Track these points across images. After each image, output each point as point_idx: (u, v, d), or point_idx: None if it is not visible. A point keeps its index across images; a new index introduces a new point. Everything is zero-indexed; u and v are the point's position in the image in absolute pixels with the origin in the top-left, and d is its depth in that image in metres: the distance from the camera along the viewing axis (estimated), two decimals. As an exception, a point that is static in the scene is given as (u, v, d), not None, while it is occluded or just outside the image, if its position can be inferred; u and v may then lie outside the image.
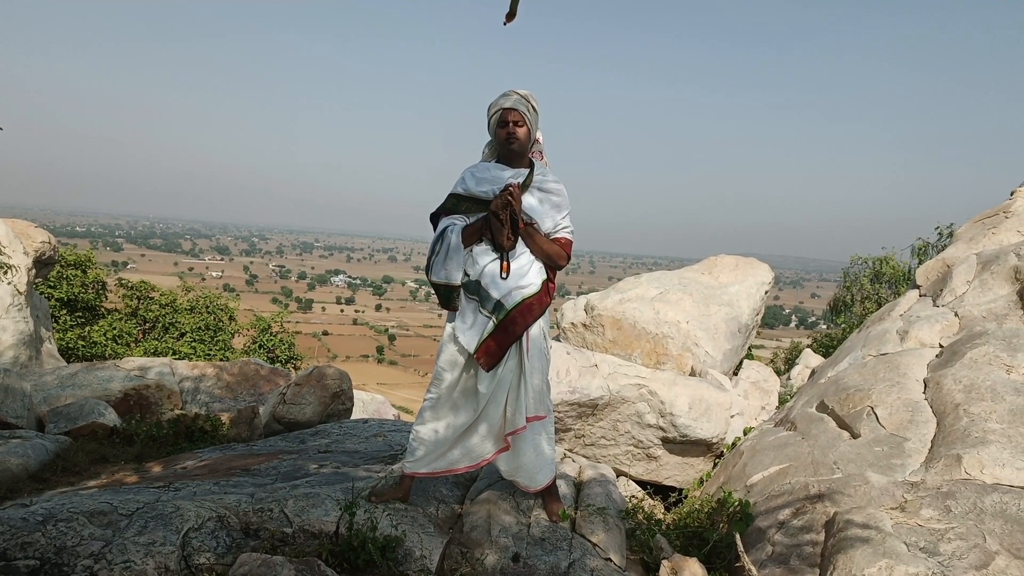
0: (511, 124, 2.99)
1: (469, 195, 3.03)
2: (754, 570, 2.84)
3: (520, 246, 3.02)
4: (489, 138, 3.16)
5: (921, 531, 3.06)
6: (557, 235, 3.09)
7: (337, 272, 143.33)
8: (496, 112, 3.01)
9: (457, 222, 3.04)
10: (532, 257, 3.04)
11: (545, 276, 3.07)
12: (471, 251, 3.02)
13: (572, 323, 7.76)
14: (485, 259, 3.00)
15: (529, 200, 3.05)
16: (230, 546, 2.75)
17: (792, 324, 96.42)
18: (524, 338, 3.01)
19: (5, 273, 7.88)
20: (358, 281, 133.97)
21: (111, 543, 2.57)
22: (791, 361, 13.93)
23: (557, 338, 7.94)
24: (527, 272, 3.01)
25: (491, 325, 2.97)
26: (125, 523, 2.71)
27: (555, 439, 5.63)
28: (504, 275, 2.96)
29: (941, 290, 6.17)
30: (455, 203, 3.06)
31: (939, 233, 14.28)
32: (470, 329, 3.00)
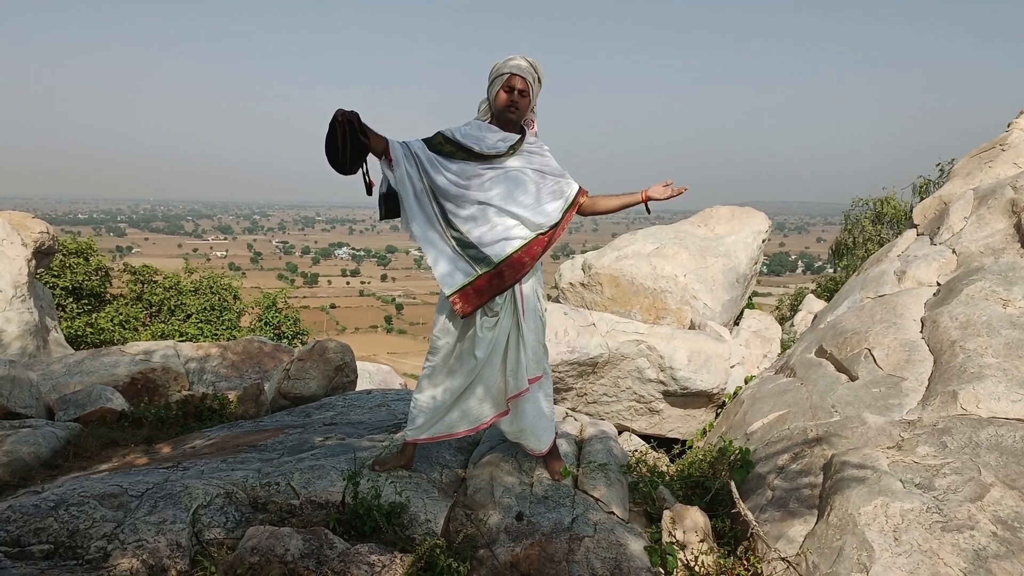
0: (516, 92, 2.95)
1: (452, 139, 3.00)
2: (750, 515, 2.89)
3: (507, 205, 2.99)
4: (484, 97, 3.12)
5: (917, 468, 3.11)
6: (577, 196, 3.11)
7: (340, 245, 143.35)
8: (503, 75, 2.96)
9: (414, 145, 2.99)
10: (516, 220, 3.02)
11: (530, 235, 3.03)
12: (457, 208, 3.00)
13: (571, 283, 7.77)
14: (470, 225, 2.99)
15: (525, 170, 3.03)
16: (239, 520, 2.82)
17: (799, 270, 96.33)
18: (519, 299, 3.02)
19: None
20: (362, 253, 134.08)
21: (123, 524, 2.64)
22: (796, 307, 13.95)
23: (557, 299, 7.97)
24: (509, 227, 3.00)
25: (473, 276, 2.96)
26: (135, 504, 2.77)
27: (557, 399, 5.68)
28: (368, 193, 2.90)
29: (938, 228, 6.15)
30: (441, 141, 3.02)
31: (940, 169, 14.14)
32: (448, 276, 2.99)
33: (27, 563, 2.39)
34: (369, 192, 2.91)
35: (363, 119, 2.79)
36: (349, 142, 2.75)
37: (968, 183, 6.69)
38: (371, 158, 2.93)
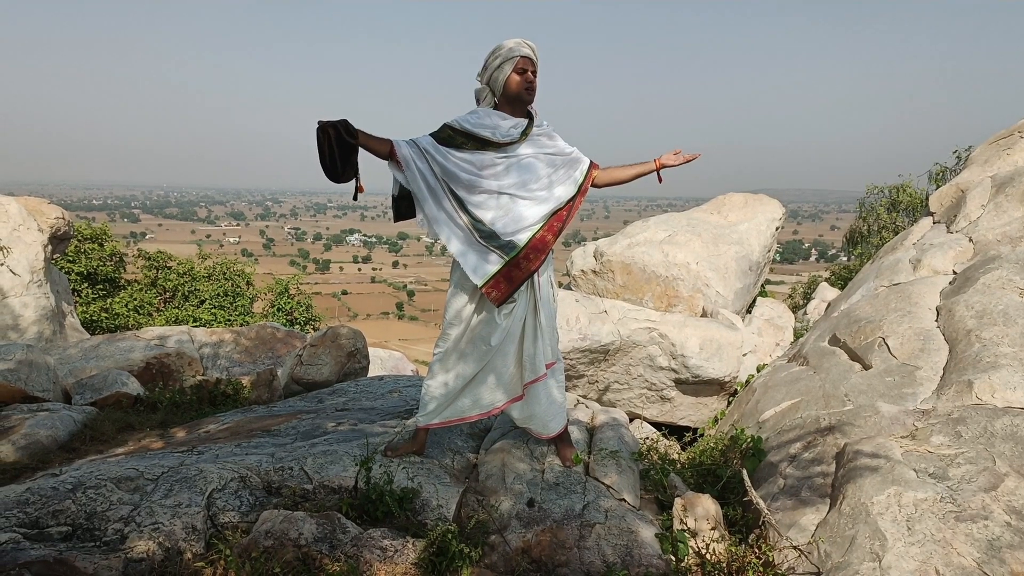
0: (530, 73, 2.96)
1: (463, 130, 2.98)
2: (761, 503, 2.89)
3: (525, 193, 2.99)
4: (479, 85, 3.10)
5: (931, 458, 3.09)
6: (588, 172, 3.14)
7: (352, 231, 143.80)
8: (512, 58, 2.94)
9: (423, 142, 2.96)
10: (532, 205, 3.02)
11: (548, 215, 3.03)
12: (472, 196, 2.99)
13: (582, 270, 7.76)
14: (487, 213, 2.99)
15: (538, 155, 3.03)
16: (253, 504, 2.85)
17: (812, 258, 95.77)
18: (536, 287, 3.03)
19: None
20: (373, 239, 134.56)
21: (139, 507, 2.67)
22: (809, 296, 13.86)
23: (568, 286, 7.96)
24: (525, 214, 3.00)
25: (501, 264, 2.96)
26: (151, 487, 2.81)
27: (569, 386, 5.68)
28: (355, 198, 2.89)
29: (955, 216, 6.08)
30: (450, 134, 3.00)
31: (957, 157, 13.95)
32: (478, 268, 2.99)
33: (45, 545, 2.42)
34: (356, 197, 2.88)
35: (353, 125, 2.79)
36: (335, 143, 2.74)
37: (986, 170, 6.60)
38: (374, 165, 2.93)
